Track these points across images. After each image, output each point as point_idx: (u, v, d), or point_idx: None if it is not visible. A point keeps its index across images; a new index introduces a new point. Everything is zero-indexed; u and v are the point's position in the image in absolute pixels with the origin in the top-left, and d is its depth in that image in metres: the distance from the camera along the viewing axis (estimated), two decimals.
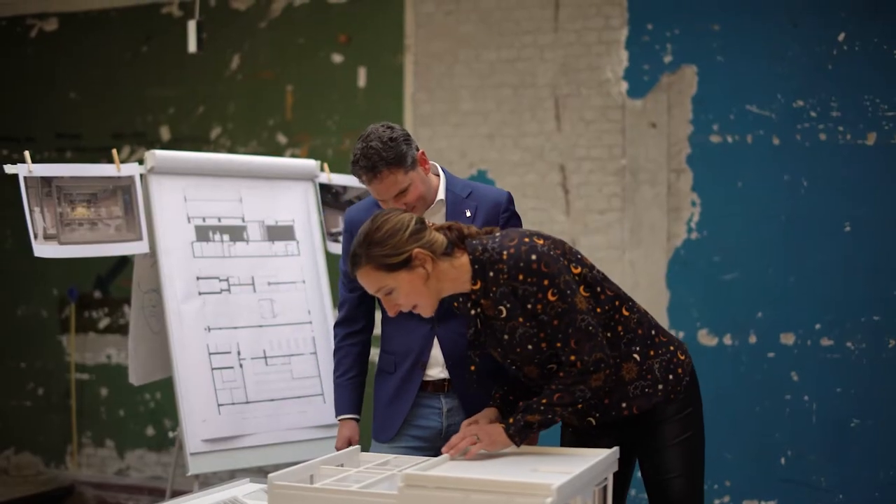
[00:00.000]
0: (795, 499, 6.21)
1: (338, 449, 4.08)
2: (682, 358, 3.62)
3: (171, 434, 7.94)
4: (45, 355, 8.50)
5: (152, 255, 4.98)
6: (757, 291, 6.32)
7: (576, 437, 3.69)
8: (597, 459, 3.21)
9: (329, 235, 5.44)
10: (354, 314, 4.25)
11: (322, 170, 5.55)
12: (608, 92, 6.68)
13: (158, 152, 5.01)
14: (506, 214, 4.11)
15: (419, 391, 4.10)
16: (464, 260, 3.42)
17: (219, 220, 5.14)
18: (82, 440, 8.37)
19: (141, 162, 5.00)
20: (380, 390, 4.21)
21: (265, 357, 5.12)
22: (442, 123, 7.10)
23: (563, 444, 3.73)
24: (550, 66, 6.82)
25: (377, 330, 4.28)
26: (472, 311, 3.47)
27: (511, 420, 3.40)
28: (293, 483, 3.08)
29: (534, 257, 3.32)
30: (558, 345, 3.37)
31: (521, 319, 3.38)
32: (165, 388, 7.76)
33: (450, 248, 3.42)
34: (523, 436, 3.40)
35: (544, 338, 3.39)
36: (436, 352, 4.09)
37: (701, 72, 6.47)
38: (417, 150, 3.95)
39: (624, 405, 3.53)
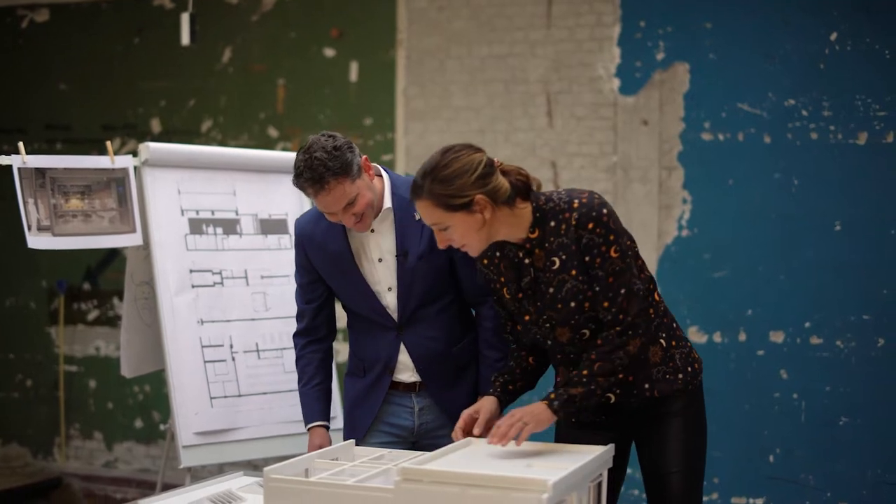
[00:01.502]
0: (784, 496, 6.23)
1: None
2: (696, 357, 3.67)
3: (161, 427, 7.93)
4: (33, 347, 8.48)
5: (145, 247, 4.98)
6: (747, 289, 6.34)
7: (571, 432, 3.67)
8: (592, 456, 3.22)
9: None
10: (314, 324, 4.20)
11: None
12: (600, 89, 6.69)
13: (152, 144, 5.01)
14: None
15: (390, 389, 4.09)
16: (526, 209, 3.43)
17: (212, 213, 5.14)
18: (70, 432, 8.36)
19: (134, 154, 5.00)
20: (349, 391, 4.19)
21: (258, 350, 5.12)
22: (433, 118, 7.10)
23: (557, 440, 3.73)
24: (542, 62, 6.82)
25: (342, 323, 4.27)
26: (526, 261, 3.47)
27: (552, 395, 3.37)
28: (289, 476, 3.09)
29: (605, 211, 3.36)
30: (605, 304, 3.38)
31: (573, 272, 3.40)
32: (154, 381, 7.75)
33: (513, 195, 3.40)
34: (567, 410, 3.37)
35: (591, 297, 3.40)
36: (403, 357, 4.07)
37: (693, 69, 6.48)
38: (360, 156, 3.87)
39: (647, 386, 3.54)
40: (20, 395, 8.55)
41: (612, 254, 3.37)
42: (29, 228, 4.59)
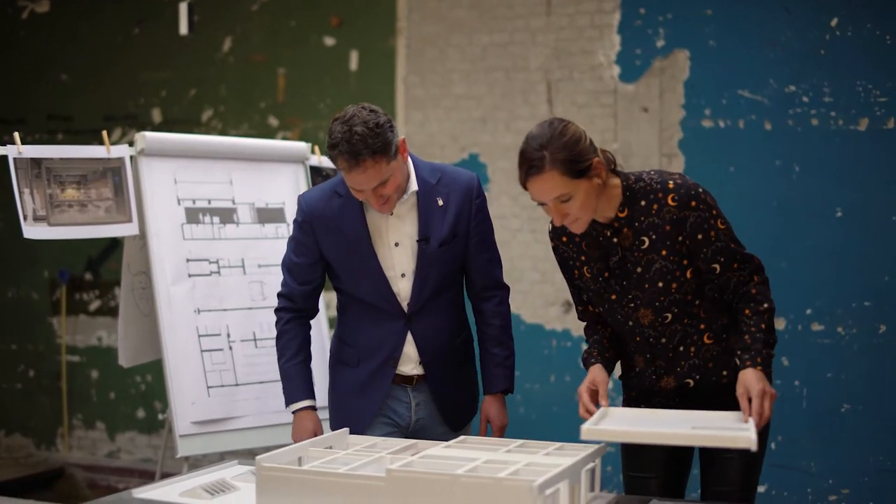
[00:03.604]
0: (785, 484, 6.21)
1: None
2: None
3: (161, 416, 7.94)
4: (35, 337, 8.50)
5: (142, 236, 4.97)
6: None
7: None
8: (585, 454, 3.21)
9: None
10: (303, 305, 4.07)
11: (313, 152, 5.54)
12: (600, 76, 6.67)
13: (149, 134, 5.00)
14: (478, 201, 3.99)
15: None
16: (617, 187, 3.42)
17: (209, 202, 5.13)
18: (73, 422, 8.37)
19: (131, 144, 4.99)
20: (340, 383, 4.06)
21: (255, 339, 5.12)
22: (434, 107, 7.09)
23: None
24: (542, 50, 6.81)
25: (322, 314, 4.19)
26: (614, 240, 3.45)
27: (759, 359, 3.30)
28: (281, 465, 3.08)
29: (700, 190, 3.38)
30: (735, 265, 3.40)
31: (663, 252, 3.39)
32: (156, 371, 7.75)
33: (611, 167, 3.42)
34: (768, 368, 3.33)
35: (679, 278, 3.40)
36: (409, 348, 3.96)
37: (693, 56, 6.45)
38: (398, 137, 3.74)
39: (725, 373, 3.51)
40: (23, 386, 8.56)
41: (720, 225, 3.39)
42: (25, 218, 4.58)
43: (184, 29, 6.63)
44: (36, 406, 8.50)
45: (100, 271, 8.28)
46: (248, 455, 5.89)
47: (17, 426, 8.62)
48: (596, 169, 3.32)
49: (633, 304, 3.48)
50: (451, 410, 4.03)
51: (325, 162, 5.56)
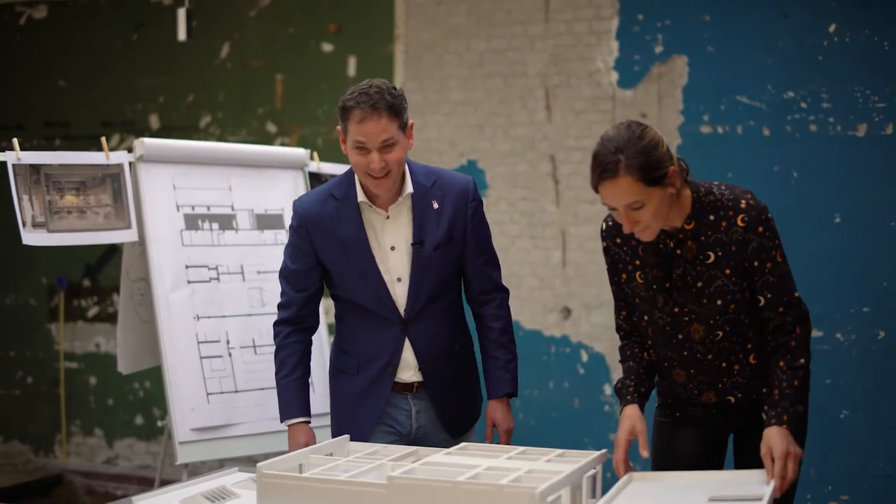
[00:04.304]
0: None
1: None
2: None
3: (159, 423, 7.93)
4: (34, 344, 8.48)
5: (141, 243, 4.97)
6: None
7: (673, 429, 3.61)
8: (586, 461, 3.21)
9: None
10: (301, 314, 4.02)
11: (311, 158, 5.54)
12: (598, 82, 6.67)
13: (147, 140, 4.99)
14: (474, 204, 3.96)
15: None
16: (688, 196, 3.35)
17: (208, 208, 5.13)
18: (71, 429, 8.35)
19: (130, 150, 4.98)
20: (340, 391, 4.04)
21: (254, 346, 5.11)
22: (432, 113, 7.09)
23: (657, 438, 3.62)
24: (541, 56, 6.81)
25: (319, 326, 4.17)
26: (678, 251, 3.38)
27: (785, 416, 3.25)
28: (282, 472, 3.07)
29: (770, 215, 3.32)
30: (780, 309, 3.33)
31: (727, 272, 3.33)
32: (154, 377, 7.74)
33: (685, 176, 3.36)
34: (794, 426, 3.28)
35: (738, 298, 3.35)
36: (407, 355, 3.93)
37: (691, 62, 6.45)
38: (410, 120, 3.76)
39: (765, 391, 3.43)
40: (21, 393, 8.55)
41: (778, 258, 3.33)
42: (24, 225, 4.57)
43: (182, 35, 6.62)
44: (34, 412, 8.49)
45: (98, 278, 8.27)
46: (247, 462, 5.88)
47: (15, 432, 8.60)
48: (671, 178, 3.23)
49: (686, 318, 3.44)
50: (451, 417, 4.01)
51: (324, 168, 5.56)
